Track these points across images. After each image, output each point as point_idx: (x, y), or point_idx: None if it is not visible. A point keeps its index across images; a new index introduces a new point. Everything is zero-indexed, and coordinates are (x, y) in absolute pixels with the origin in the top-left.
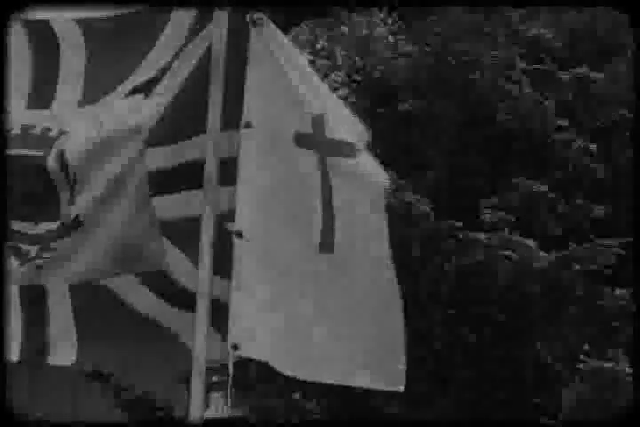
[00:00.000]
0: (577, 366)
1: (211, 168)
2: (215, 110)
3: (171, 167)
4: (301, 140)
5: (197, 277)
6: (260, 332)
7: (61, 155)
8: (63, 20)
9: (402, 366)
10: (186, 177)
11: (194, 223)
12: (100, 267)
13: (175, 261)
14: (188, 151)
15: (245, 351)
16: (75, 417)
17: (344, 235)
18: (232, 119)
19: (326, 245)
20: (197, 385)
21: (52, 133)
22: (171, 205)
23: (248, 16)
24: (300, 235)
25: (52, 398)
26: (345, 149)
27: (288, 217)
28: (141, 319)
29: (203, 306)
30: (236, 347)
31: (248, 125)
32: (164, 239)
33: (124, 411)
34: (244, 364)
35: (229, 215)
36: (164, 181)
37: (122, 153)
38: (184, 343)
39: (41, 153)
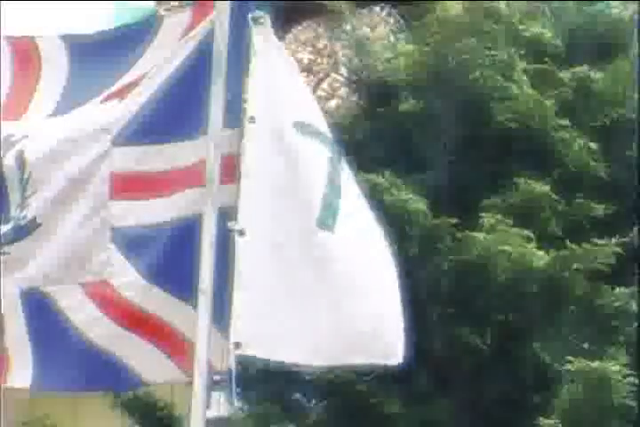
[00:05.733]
0: (576, 365)
1: (212, 167)
2: (217, 108)
3: (136, 171)
4: (302, 128)
5: (142, 288)
6: (263, 330)
7: (21, 153)
8: (49, 37)
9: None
10: (150, 183)
11: (148, 231)
12: (49, 272)
13: (120, 270)
14: (155, 158)
15: (247, 350)
16: (74, 417)
17: (346, 215)
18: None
19: (326, 222)
20: (199, 385)
21: (15, 138)
22: (126, 211)
23: (250, 15)
24: (301, 222)
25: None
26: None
27: (289, 210)
28: (78, 335)
29: (204, 304)
30: (237, 345)
31: (252, 120)
32: (112, 246)
33: (123, 411)
34: (243, 365)
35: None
36: (126, 185)
37: (85, 153)
38: (115, 363)
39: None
